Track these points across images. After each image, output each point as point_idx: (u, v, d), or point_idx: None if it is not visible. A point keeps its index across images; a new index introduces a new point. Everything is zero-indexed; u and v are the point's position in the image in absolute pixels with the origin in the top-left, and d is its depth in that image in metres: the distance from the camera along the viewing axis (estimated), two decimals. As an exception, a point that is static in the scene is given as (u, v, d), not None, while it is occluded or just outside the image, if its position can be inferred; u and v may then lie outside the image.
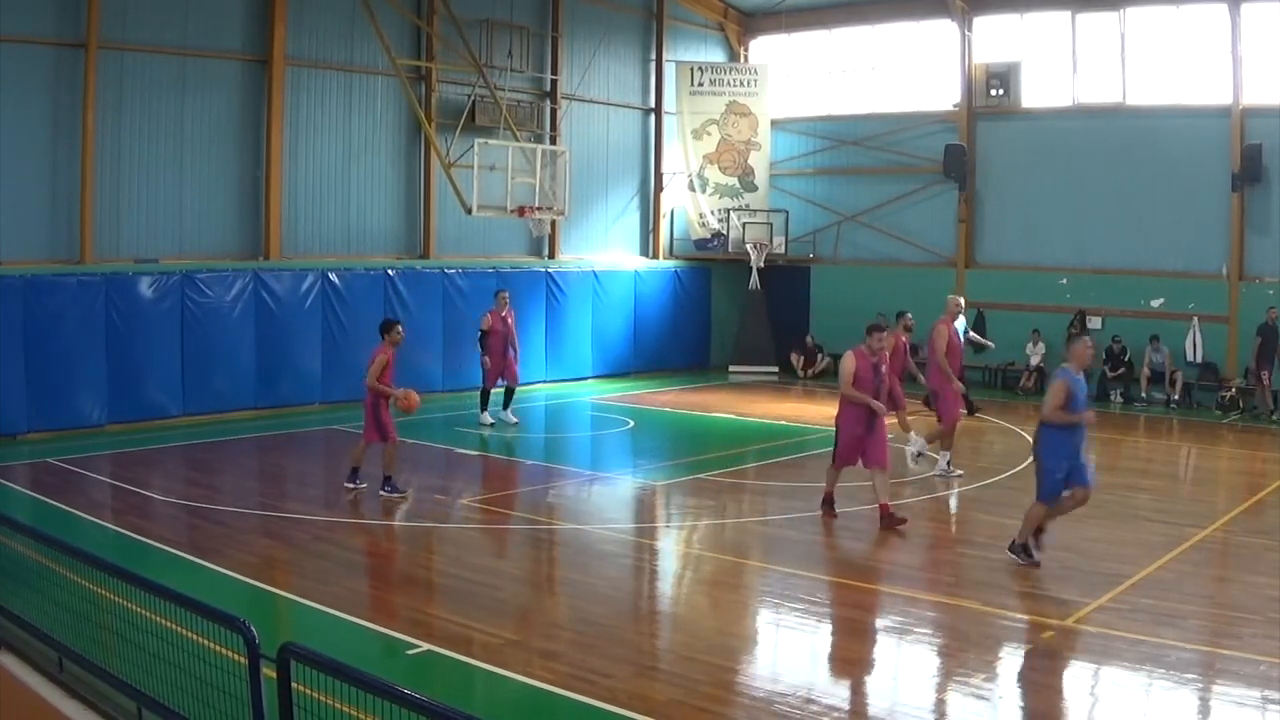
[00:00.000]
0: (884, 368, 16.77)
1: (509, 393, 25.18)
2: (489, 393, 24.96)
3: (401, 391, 17.86)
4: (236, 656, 7.32)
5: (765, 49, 37.54)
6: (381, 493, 17.46)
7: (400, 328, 18.31)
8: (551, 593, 13.98)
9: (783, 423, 25.99)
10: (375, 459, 17.92)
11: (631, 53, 34.66)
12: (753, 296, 34.84)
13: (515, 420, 24.92)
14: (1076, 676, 11.06)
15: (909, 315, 22.60)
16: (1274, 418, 27.34)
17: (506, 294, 25.20)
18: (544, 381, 30.65)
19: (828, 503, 16.71)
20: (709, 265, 36.04)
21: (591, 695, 9.87)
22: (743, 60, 37.31)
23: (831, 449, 16.81)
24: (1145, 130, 30.57)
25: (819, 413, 27.49)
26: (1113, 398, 29.94)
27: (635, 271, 33.97)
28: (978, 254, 33.63)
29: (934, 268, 33.84)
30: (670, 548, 16.10)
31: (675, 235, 36.31)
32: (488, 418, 24.61)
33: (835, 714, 9.77)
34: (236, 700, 7.33)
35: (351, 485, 17.91)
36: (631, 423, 25.57)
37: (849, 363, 16.30)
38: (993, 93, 32.64)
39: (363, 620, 11.72)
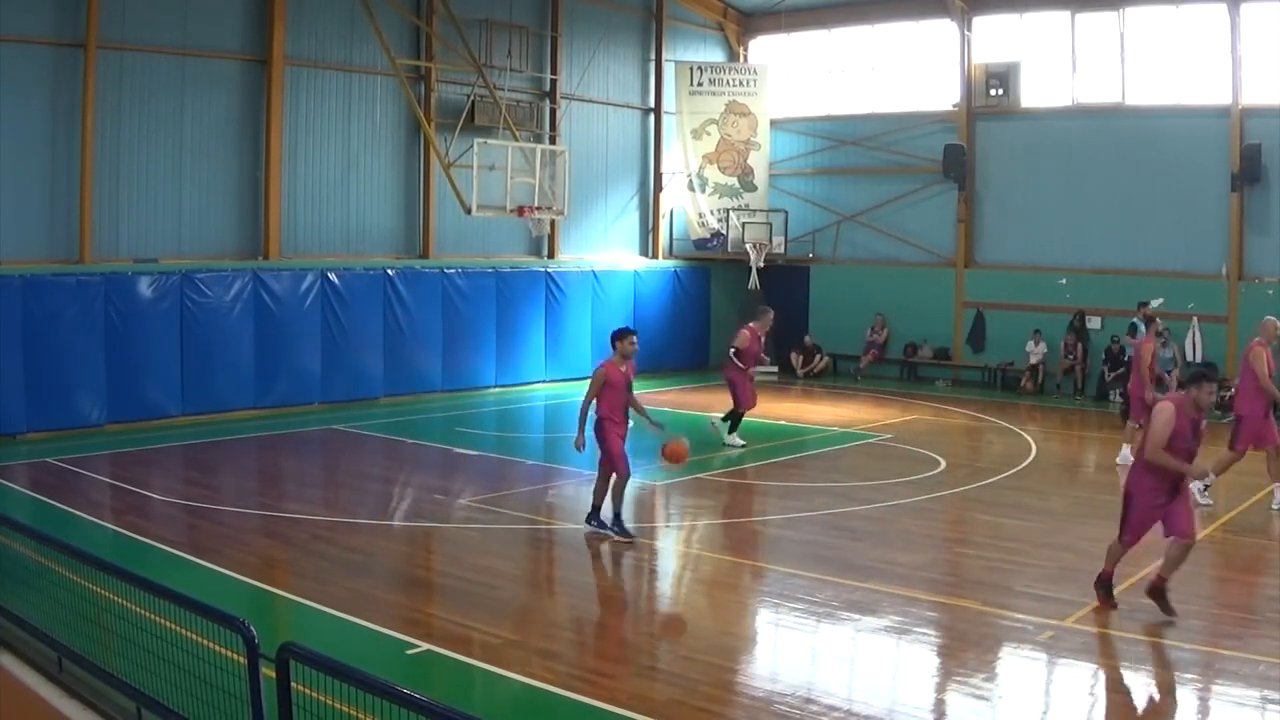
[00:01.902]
0: (1204, 424, 13.38)
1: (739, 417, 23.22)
2: (741, 416, 23.06)
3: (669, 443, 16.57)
4: (236, 656, 7.33)
5: (765, 49, 37.55)
6: (589, 524, 15.77)
7: (634, 338, 16.20)
8: (551, 593, 13.99)
9: (782, 423, 25.95)
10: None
11: (631, 52, 34.67)
12: (752, 296, 34.81)
13: (742, 443, 22.86)
14: (1076, 677, 11.06)
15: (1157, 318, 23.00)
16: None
17: (771, 313, 24.25)
18: (543, 381, 30.66)
19: (1104, 586, 12.84)
20: (708, 265, 36.05)
21: (591, 695, 9.89)
22: (742, 60, 37.31)
23: (1120, 520, 13.03)
24: (1144, 130, 30.60)
25: (817, 412, 27.67)
26: (1112, 398, 29.96)
27: (635, 271, 33.98)
28: (977, 254, 33.65)
29: (933, 268, 33.88)
30: (670, 548, 16.10)
31: (675, 235, 36.30)
32: (738, 439, 22.78)
33: (834, 714, 9.75)
34: (236, 700, 7.34)
35: (604, 529, 15.62)
36: (630, 422, 25.47)
37: (1166, 418, 12.76)
38: (992, 92, 32.64)
39: (362, 620, 11.69)
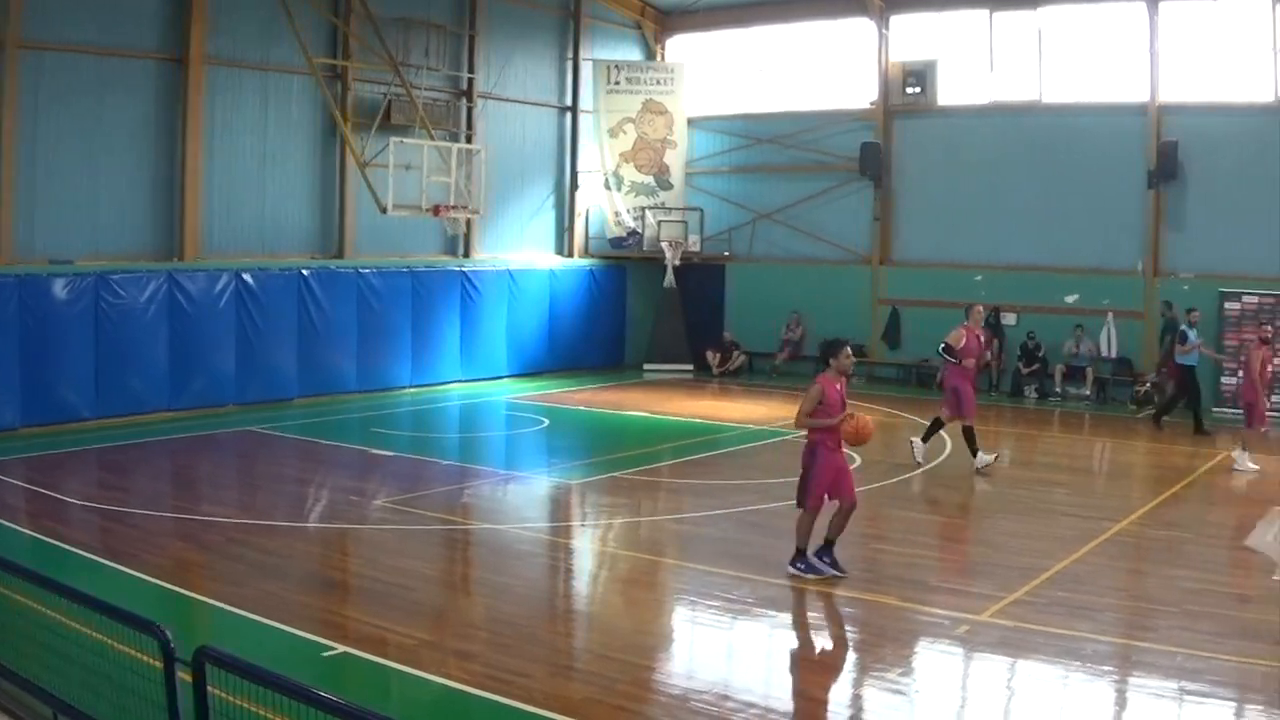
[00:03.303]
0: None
1: (969, 432, 20.85)
2: (973, 430, 20.76)
3: (849, 421, 13.78)
4: (152, 661, 7.35)
5: (682, 47, 37.69)
6: (794, 569, 13.86)
7: (849, 350, 14.18)
8: (467, 593, 14.02)
9: (697, 420, 26.16)
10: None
11: (548, 51, 34.68)
12: (668, 294, 35.01)
13: (995, 455, 21.14)
14: (993, 670, 11.24)
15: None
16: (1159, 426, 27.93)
17: (980, 307, 22.29)
18: (459, 381, 30.61)
19: None
20: (624, 264, 36.14)
21: (507, 695, 9.91)
22: (660, 59, 37.43)
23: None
24: (1062, 128, 31.05)
25: (734, 410, 27.83)
26: (1027, 393, 30.40)
27: (550, 270, 33.98)
28: (893, 251, 33.96)
29: (849, 265, 34.17)
30: (586, 547, 16.20)
31: (591, 234, 36.37)
32: (985, 456, 20.52)
33: (751, 710, 9.86)
34: (153, 705, 7.35)
35: (812, 572, 13.84)
36: (546, 421, 25.63)
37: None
38: (909, 91, 32.94)
39: (278, 623, 11.67)
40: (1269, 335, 22.10)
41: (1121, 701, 10.49)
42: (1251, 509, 18.11)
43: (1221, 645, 11.44)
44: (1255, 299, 28.20)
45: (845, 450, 14.00)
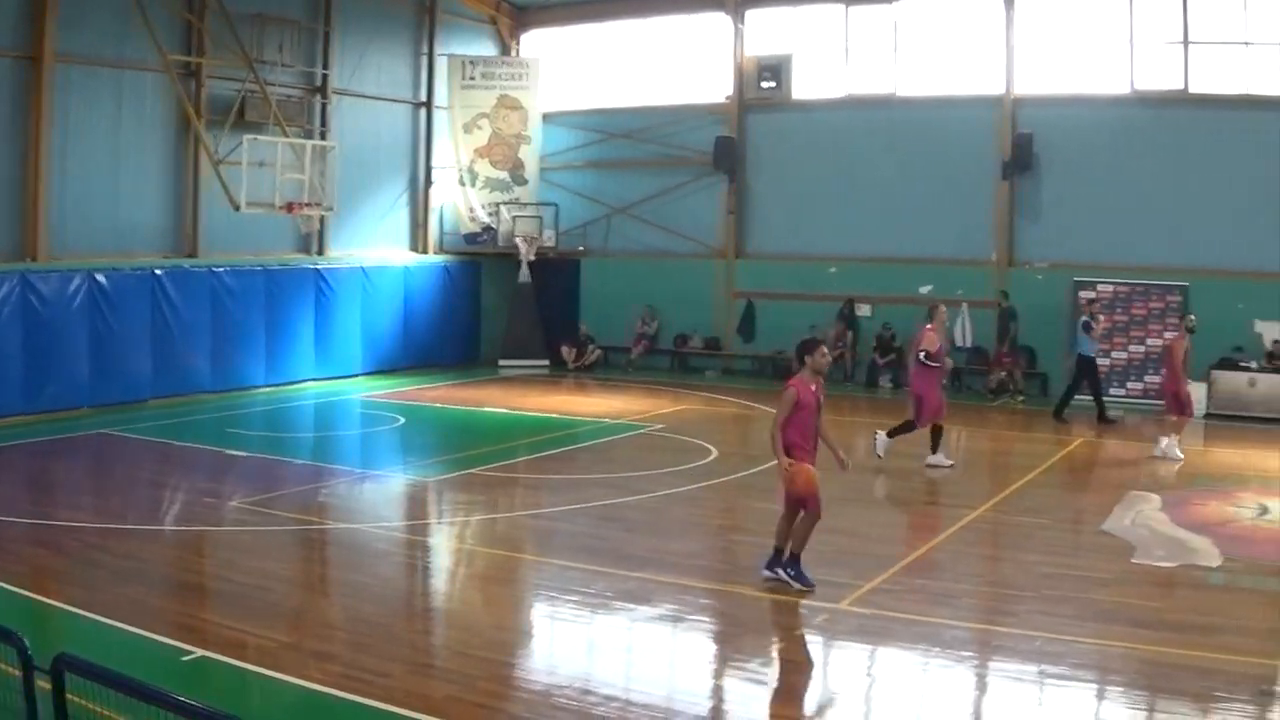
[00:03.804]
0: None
1: (938, 431, 21.00)
2: (941, 430, 20.94)
3: (803, 475, 13.05)
4: (10, 669, 7.32)
5: (537, 42, 37.78)
6: (780, 574, 13.25)
7: (825, 349, 13.98)
8: (325, 593, 13.96)
9: (553, 415, 26.34)
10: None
11: (403, 47, 34.59)
12: (522, 290, 35.12)
13: (951, 462, 21.01)
14: (853, 658, 11.48)
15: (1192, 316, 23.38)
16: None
17: (942, 306, 22.25)
18: (313, 379, 30.47)
19: None
20: (479, 260, 36.18)
21: (368, 695, 9.88)
22: (515, 54, 37.46)
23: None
24: (917, 121, 31.65)
25: (590, 404, 28.02)
26: (881, 384, 30.95)
27: (405, 267, 33.93)
28: (747, 244, 34.38)
29: (703, 259, 34.57)
30: (443, 544, 16.28)
31: (445, 230, 36.29)
32: (943, 458, 20.77)
33: (613, 703, 9.95)
34: (11, 714, 7.29)
35: (785, 578, 13.23)
36: (402, 419, 25.61)
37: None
38: (764, 85, 33.30)
39: (136, 628, 11.55)
40: (1193, 325, 22.72)
41: (983, 686, 10.75)
42: (1108, 494, 18.59)
43: (1081, 628, 11.74)
44: (1110, 288, 28.94)
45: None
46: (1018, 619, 12.21)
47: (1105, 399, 26.36)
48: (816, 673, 11.24)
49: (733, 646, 11.72)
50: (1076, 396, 26.41)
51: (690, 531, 16.54)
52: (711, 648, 11.90)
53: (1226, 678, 10.42)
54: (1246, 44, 28.20)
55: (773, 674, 11.02)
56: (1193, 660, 10.85)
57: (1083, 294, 28.29)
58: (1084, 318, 25.93)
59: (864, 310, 32.19)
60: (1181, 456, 21.54)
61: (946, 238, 31.23)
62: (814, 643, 11.85)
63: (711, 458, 21.24)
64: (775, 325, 32.87)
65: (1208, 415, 26.21)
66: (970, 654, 11.36)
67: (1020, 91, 30.49)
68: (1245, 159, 27.86)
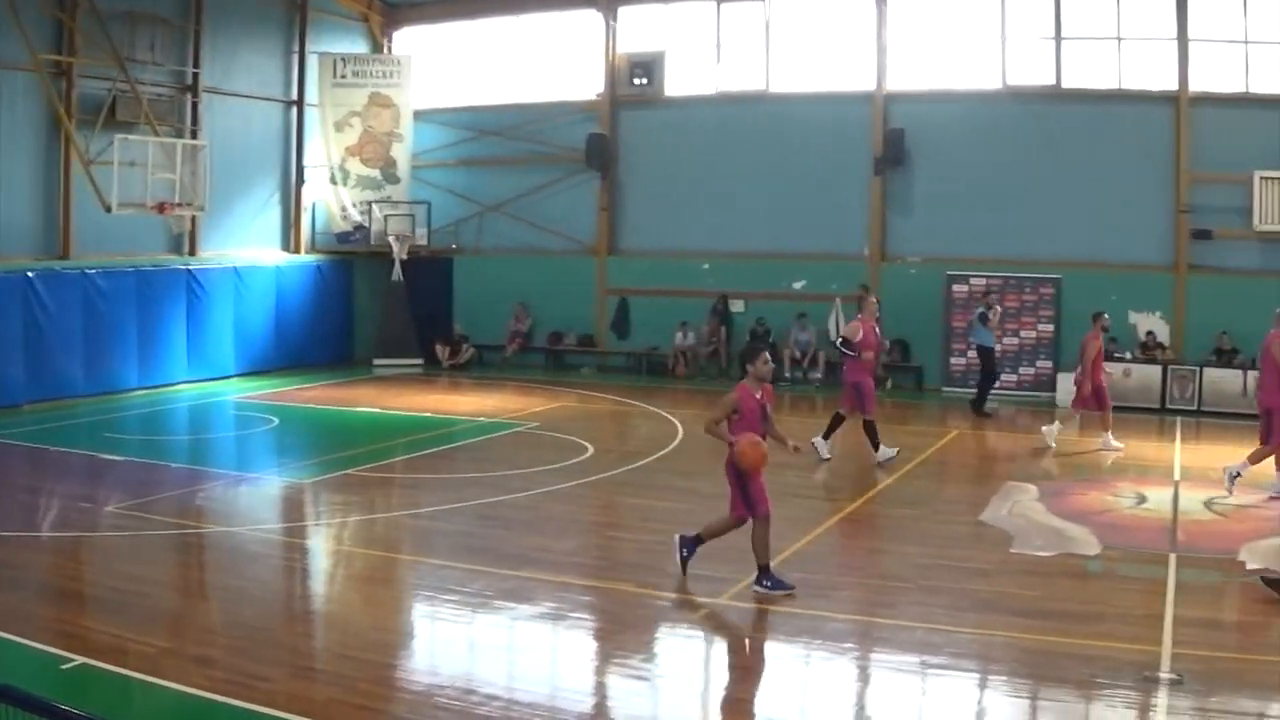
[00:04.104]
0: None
1: (838, 421, 21.49)
2: (874, 425, 21.07)
3: (747, 440, 13.04)
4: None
5: (409, 40, 37.77)
6: (757, 589, 12.99)
7: (768, 355, 13.51)
8: (204, 598, 13.84)
9: (429, 415, 26.39)
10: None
11: (274, 45, 34.42)
12: (395, 289, 35.10)
13: (829, 456, 21.10)
14: (734, 652, 11.76)
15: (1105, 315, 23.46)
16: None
17: (873, 298, 22.46)
18: (186, 381, 30.22)
19: None
20: (351, 259, 36.12)
21: (250, 700, 9.85)
22: (386, 51, 37.42)
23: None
24: (789, 117, 32.08)
25: (465, 403, 28.08)
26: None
27: (277, 267, 33.78)
28: (620, 241, 34.66)
29: (576, 256, 34.81)
30: (321, 546, 16.23)
31: (317, 229, 36.18)
32: (887, 451, 20.84)
33: (495, 703, 9.99)
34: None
35: (775, 589, 12.92)
36: (275, 420, 25.53)
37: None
38: (636, 82, 33.63)
39: (14, 636, 11.45)
40: (1107, 324, 23.31)
41: (864, 677, 10.97)
42: (985, 485, 19.05)
43: (961, 618, 12.05)
44: (982, 280, 29.46)
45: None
46: (897, 610, 12.44)
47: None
48: (697, 667, 11.43)
49: (614, 643, 11.85)
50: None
51: (568, 529, 16.70)
52: (593, 644, 12.02)
53: (1108, 664, 10.72)
54: (1119, 39, 29.00)
55: (655, 670, 11.16)
56: (1074, 648, 11.14)
57: (975, 284, 28.97)
58: (980, 309, 26.50)
59: (738, 306, 32.58)
60: (1120, 446, 22.11)
61: (820, 233, 31.69)
62: (695, 637, 12.09)
63: (588, 455, 21.42)
64: (649, 322, 33.19)
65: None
66: (851, 645, 11.58)
67: (892, 87, 31.11)
68: (1118, 153, 28.74)
